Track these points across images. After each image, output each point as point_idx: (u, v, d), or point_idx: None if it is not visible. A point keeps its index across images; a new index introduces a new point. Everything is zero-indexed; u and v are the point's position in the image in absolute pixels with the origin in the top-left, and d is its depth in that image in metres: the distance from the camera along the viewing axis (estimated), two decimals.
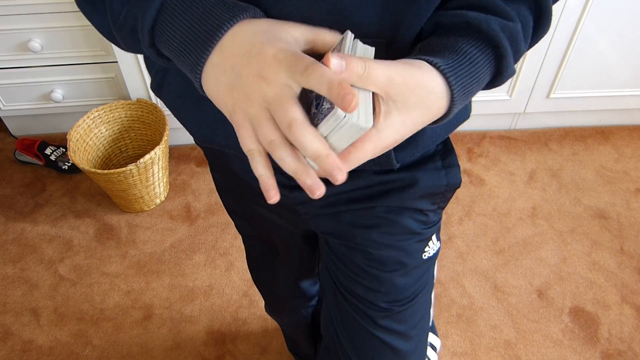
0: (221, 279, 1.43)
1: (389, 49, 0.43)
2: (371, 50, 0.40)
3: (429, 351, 0.74)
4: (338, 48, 0.39)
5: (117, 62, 1.57)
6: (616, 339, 1.29)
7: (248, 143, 0.38)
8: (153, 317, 1.36)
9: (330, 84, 0.33)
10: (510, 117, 1.84)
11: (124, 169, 1.39)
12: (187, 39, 0.39)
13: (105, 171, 1.38)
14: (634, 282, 1.41)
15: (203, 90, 0.41)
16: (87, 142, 1.55)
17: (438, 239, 0.64)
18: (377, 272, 0.61)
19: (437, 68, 0.38)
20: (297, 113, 0.35)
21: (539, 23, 0.44)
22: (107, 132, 1.60)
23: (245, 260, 0.94)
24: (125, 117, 1.62)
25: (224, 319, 1.35)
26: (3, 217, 1.61)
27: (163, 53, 0.43)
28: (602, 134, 1.85)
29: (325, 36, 0.40)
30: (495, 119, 1.85)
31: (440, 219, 0.63)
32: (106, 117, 1.58)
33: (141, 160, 1.40)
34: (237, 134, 0.38)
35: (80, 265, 1.48)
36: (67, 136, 1.46)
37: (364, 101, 0.36)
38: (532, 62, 1.60)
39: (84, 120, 1.52)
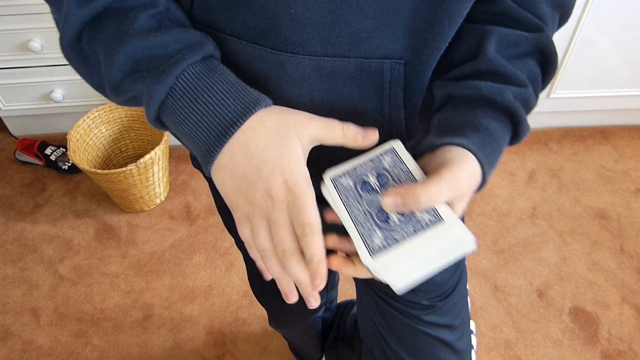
0: (221, 279, 1.43)
1: (408, 70, 0.44)
2: (408, 156, 0.42)
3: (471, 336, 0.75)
4: (384, 159, 0.42)
5: None
6: (616, 339, 1.29)
7: (245, 235, 0.42)
8: (153, 317, 1.36)
9: (312, 262, 0.38)
10: None
11: (124, 169, 1.39)
12: (199, 128, 0.40)
13: (106, 171, 1.38)
14: (634, 282, 1.41)
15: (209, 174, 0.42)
16: (87, 142, 1.55)
17: None
18: None
19: (472, 151, 0.40)
20: (289, 243, 0.39)
21: (547, 72, 0.46)
22: (107, 132, 1.60)
23: (248, 279, 0.92)
24: (125, 117, 1.62)
25: (224, 319, 1.35)
26: (3, 217, 1.61)
27: (167, 126, 0.43)
28: (602, 134, 1.85)
29: (335, 133, 0.41)
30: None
31: (463, 213, 0.65)
32: (106, 117, 1.58)
33: (141, 160, 1.40)
34: (236, 224, 0.42)
35: (80, 265, 1.48)
36: (67, 136, 1.46)
37: (456, 219, 0.38)
38: None
39: (84, 120, 1.52)
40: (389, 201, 0.37)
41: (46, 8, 1.44)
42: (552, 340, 1.30)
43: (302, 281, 0.39)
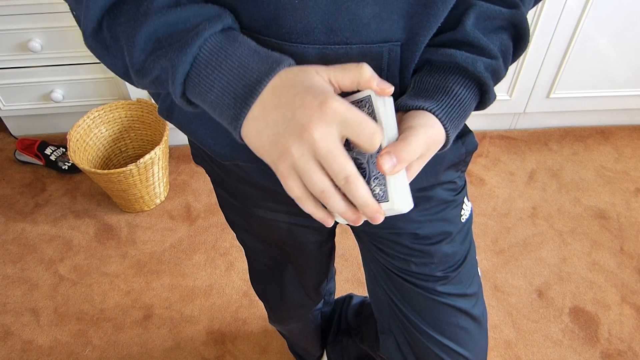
0: (221, 279, 1.43)
1: (404, 51, 0.46)
2: (390, 100, 0.43)
3: None
4: (361, 102, 0.44)
5: None
6: (616, 339, 1.29)
7: (296, 192, 0.41)
8: (153, 317, 1.36)
9: (367, 207, 0.41)
10: (510, 117, 1.84)
11: (124, 169, 1.39)
12: (225, 93, 0.40)
13: (105, 171, 1.38)
14: (634, 282, 1.41)
15: (242, 139, 0.42)
16: (87, 142, 1.55)
17: (468, 199, 0.69)
18: (426, 247, 0.64)
19: (438, 118, 0.44)
20: (352, 168, 0.39)
21: (518, 45, 0.50)
22: (107, 132, 1.60)
23: (249, 275, 0.92)
24: (125, 117, 1.62)
25: (224, 319, 1.35)
26: (3, 217, 1.61)
27: (193, 102, 0.43)
28: (602, 134, 1.85)
29: (350, 75, 0.41)
30: (495, 119, 1.85)
31: (465, 181, 0.68)
32: (106, 117, 1.58)
33: (141, 160, 1.40)
34: (282, 182, 0.41)
35: (80, 265, 1.48)
36: (67, 136, 1.46)
37: (403, 186, 0.41)
38: (532, 62, 1.60)
39: (84, 120, 1.52)
40: (388, 164, 0.39)
41: (46, 8, 1.45)
42: (552, 340, 1.30)
43: (369, 201, 0.40)
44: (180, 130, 0.56)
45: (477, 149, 0.68)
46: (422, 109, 0.44)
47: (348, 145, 0.44)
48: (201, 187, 1.68)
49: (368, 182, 0.42)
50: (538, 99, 1.72)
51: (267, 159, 0.41)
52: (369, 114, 0.43)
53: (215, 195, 1.64)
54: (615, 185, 1.67)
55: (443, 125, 0.44)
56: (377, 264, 0.72)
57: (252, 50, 0.41)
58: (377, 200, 0.41)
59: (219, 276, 1.44)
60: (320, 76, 0.40)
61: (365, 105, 0.43)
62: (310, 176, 0.39)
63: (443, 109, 0.45)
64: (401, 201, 0.41)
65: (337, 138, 0.38)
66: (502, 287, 1.41)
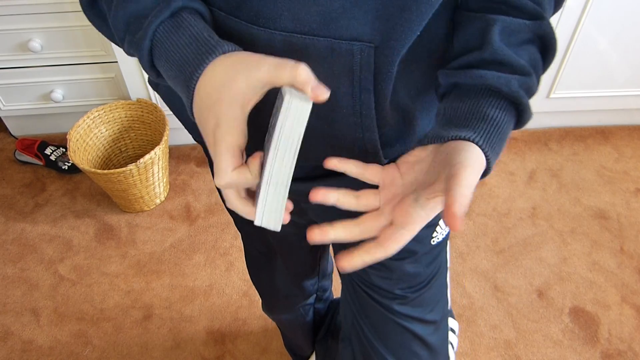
0: (221, 279, 1.43)
1: (378, 54, 0.44)
2: (307, 106, 0.38)
3: (450, 335, 0.76)
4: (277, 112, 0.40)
5: (117, 62, 1.57)
6: (616, 339, 1.29)
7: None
8: (153, 317, 1.36)
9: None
10: None
11: (124, 169, 1.39)
12: (176, 82, 0.42)
13: (105, 171, 1.38)
14: (634, 282, 1.41)
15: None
16: (87, 142, 1.55)
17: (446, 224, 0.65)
18: (387, 261, 0.62)
19: (479, 145, 0.41)
20: (225, 182, 0.40)
21: (547, 57, 0.47)
22: (107, 132, 1.60)
23: (245, 260, 0.94)
24: (125, 117, 1.62)
25: (224, 319, 1.35)
26: (3, 217, 1.61)
27: None
28: (602, 134, 1.85)
29: (284, 74, 0.39)
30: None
31: None
32: (106, 117, 1.58)
33: (141, 160, 1.40)
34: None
35: (80, 265, 1.48)
36: (67, 136, 1.46)
37: (274, 205, 0.41)
38: None
39: (84, 120, 1.52)
40: (456, 220, 0.36)
41: (46, 8, 1.45)
42: (552, 340, 1.30)
43: (238, 208, 0.43)
44: (164, 102, 0.58)
45: None
46: (460, 138, 0.41)
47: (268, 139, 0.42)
48: (201, 187, 1.68)
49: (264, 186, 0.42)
50: (538, 99, 1.72)
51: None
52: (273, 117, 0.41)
53: (215, 196, 1.65)
54: (615, 185, 1.67)
55: (484, 153, 0.41)
56: (347, 275, 0.71)
57: (192, 37, 0.42)
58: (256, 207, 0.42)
59: (219, 276, 1.44)
60: (257, 72, 0.39)
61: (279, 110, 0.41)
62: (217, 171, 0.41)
63: (482, 136, 0.41)
64: (262, 216, 0.41)
65: (227, 157, 0.40)
66: (502, 287, 1.41)
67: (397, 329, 0.65)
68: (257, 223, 0.42)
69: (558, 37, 0.48)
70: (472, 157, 0.40)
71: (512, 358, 1.27)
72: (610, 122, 1.88)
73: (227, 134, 0.39)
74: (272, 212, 0.41)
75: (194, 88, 0.40)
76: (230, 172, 0.39)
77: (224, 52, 0.40)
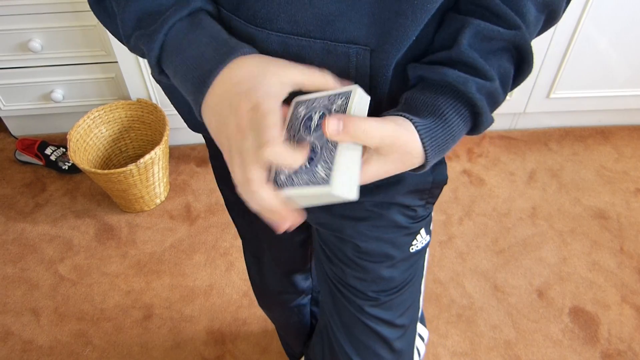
0: (221, 279, 1.43)
1: (374, 58, 0.45)
2: (367, 99, 0.42)
3: (417, 341, 0.76)
4: (338, 100, 0.42)
5: (117, 62, 1.57)
6: (616, 339, 1.29)
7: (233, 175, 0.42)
8: (153, 317, 1.36)
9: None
10: (510, 117, 1.85)
11: (124, 169, 1.39)
12: (187, 79, 0.43)
13: (106, 171, 1.38)
14: (634, 282, 1.41)
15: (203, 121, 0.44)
16: (87, 142, 1.55)
17: (428, 232, 0.66)
18: (364, 263, 0.63)
19: (417, 130, 0.41)
20: (257, 174, 0.38)
21: (521, 69, 0.47)
22: (107, 132, 1.60)
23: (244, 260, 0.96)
24: (125, 117, 1.62)
25: (224, 319, 1.35)
26: (3, 217, 1.61)
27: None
28: (602, 134, 1.85)
29: (315, 79, 0.42)
30: (495, 119, 1.85)
31: (429, 213, 0.65)
32: (106, 117, 1.58)
33: (141, 160, 1.40)
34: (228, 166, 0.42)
35: (80, 265, 1.48)
36: (67, 136, 1.46)
37: (351, 172, 0.39)
38: None
39: (84, 120, 1.52)
40: (332, 126, 0.37)
41: (46, 8, 1.45)
42: (552, 340, 1.30)
43: (268, 208, 0.40)
44: (165, 95, 0.59)
45: (447, 183, 0.65)
46: (406, 118, 0.42)
47: (309, 127, 0.42)
48: (201, 187, 1.68)
49: (316, 165, 0.40)
50: (538, 99, 1.72)
51: (218, 144, 0.43)
52: (340, 108, 0.41)
53: (215, 196, 1.65)
54: (615, 185, 1.67)
55: (422, 142, 0.42)
56: (321, 268, 0.72)
57: (211, 37, 0.42)
58: (318, 183, 0.39)
59: (219, 276, 1.44)
60: (289, 72, 0.40)
61: (340, 97, 0.42)
62: (233, 169, 0.40)
63: (426, 126, 0.42)
64: (340, 184, 0.38)
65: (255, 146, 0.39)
66: (502, 287, 1.41)
67: (365, 329, 0.66)
68: (329, 198, 0.39)
69: (558, 37, 0.48)
70: (404, 125, 0.41)
71: (512, 358, 1.27)
72: (610, 122, 1.88)
73: (272, 111, 0.38)
74: (345, 178, 0.39)
75: (211, 83, 0.41)
76: (281, 143, 0.38)
77: (243, 54, 0.41)
